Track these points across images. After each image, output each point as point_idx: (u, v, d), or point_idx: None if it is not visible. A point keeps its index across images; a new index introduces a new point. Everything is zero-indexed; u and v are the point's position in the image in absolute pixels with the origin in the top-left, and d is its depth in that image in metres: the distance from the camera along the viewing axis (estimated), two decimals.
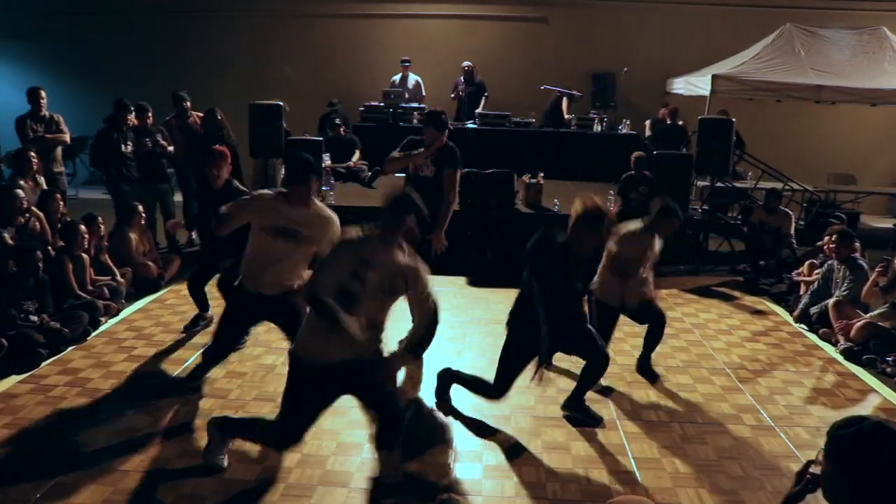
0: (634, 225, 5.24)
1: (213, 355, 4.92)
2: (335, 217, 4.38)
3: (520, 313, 4.40)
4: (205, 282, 6.08)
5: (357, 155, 10.23)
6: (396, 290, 3.58)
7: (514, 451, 4.26)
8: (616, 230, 5.09)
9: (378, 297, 3.52)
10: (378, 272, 3.48)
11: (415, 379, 5.21)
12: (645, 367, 5.48)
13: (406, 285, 3.59)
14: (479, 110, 11.51)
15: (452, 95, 12.17)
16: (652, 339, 5.42)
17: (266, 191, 4.54)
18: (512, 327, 4.45)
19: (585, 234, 4.20)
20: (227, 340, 4.86)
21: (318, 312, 3.44)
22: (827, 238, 6.99)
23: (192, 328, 6.13)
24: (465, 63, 11.98)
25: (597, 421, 4.62)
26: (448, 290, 7.37)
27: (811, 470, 2.23)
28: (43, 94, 8.23)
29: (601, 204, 4.23)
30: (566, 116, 11.53)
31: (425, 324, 3.79)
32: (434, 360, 5.32)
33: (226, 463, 3.92)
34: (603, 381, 5.22)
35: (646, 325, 5.41)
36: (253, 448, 4.14)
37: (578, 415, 4.66)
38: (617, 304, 5.22)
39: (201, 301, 6.16)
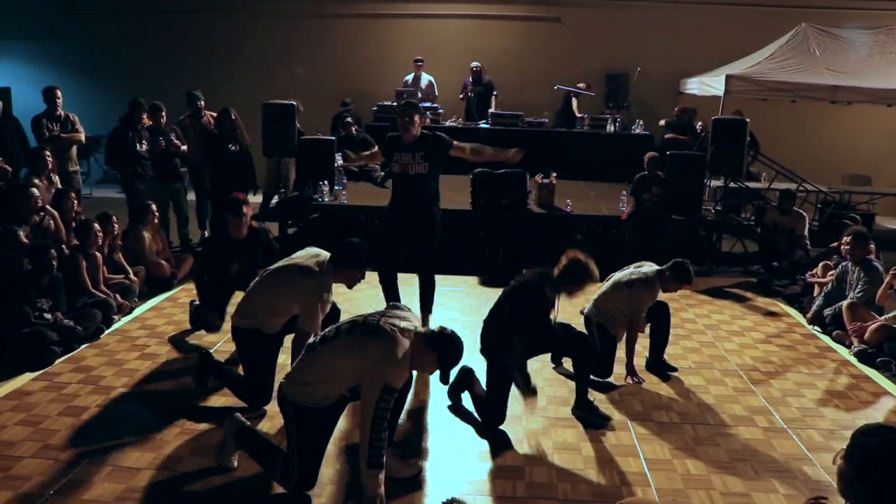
0: (644, 282, 5.22)
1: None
2: None
3: (491, 340, 4.56)
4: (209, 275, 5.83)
5: (376, 149, 10.25)
6: None
7: (524, 451, 4.26)
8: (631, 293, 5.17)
9: None
10: None
11: None
12: (657, 364, 5.47)
13: None
14: (492, 110, 11.51)
15: (461, 96, 12.19)
16: (659, 335, 5.41)
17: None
18: (488, 357, 4.59)
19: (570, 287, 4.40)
20: None
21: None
22: (845, 239, 6.93)
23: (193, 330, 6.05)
24: (474, 63, 12.00)
25: (604, 420, 4.60)
26: (460, 290, 7.38)
27: None
28: (59, 93, 8.29)
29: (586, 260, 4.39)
30: (578, 115, 11.51)
31: None
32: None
33: (235, 464, 3.93)
34: (614, 382, 5.24)
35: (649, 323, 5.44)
36: None
37: (586, 414, 4.65)
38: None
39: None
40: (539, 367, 5.44)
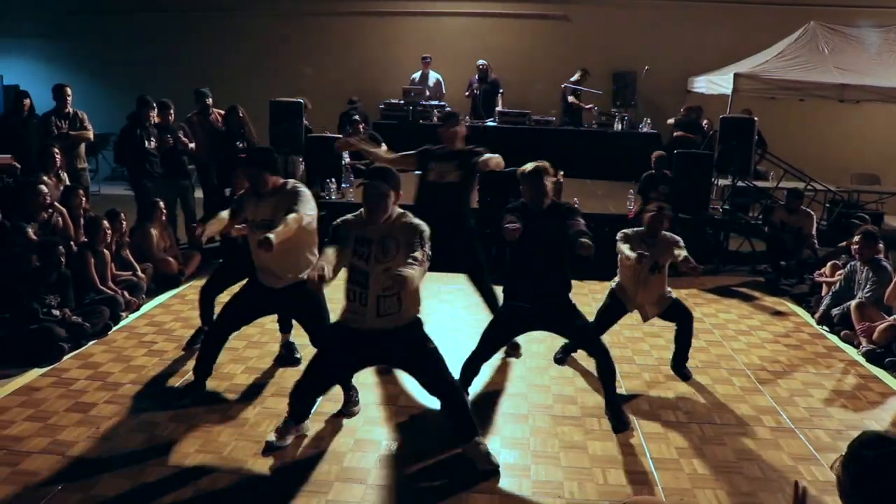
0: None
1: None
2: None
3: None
4: (218, 293, 5.68)
5: (384, 148, 10.25)
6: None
7: (531, 449, 4.25)
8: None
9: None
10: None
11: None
12: (678, 366, 5.44)
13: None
14: (499, 108, 11.50)
15: (467, 94, 12.18)
16: (681, 341, 5.39)
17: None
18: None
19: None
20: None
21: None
22: (855, 238, 6.89)
23: (192, 345, 5.64)
24: (480, 61, 11.99)
25: (623, 425, 4.52)
26: (466, 288, 7.36)
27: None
28: (69, 91, 8.31)
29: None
30: (586, 107, 11.47)
31: None
32: (452, 357, 5.30)
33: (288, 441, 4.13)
34: (622, 381, 5.23)
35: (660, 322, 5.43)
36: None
37: (609, 417, 4.60)
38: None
39: (208, 313, 5.69)
40: (545, 365, 5.44)
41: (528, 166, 4.50)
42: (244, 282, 4.85)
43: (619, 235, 5.13)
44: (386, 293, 3.74)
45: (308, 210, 4.36)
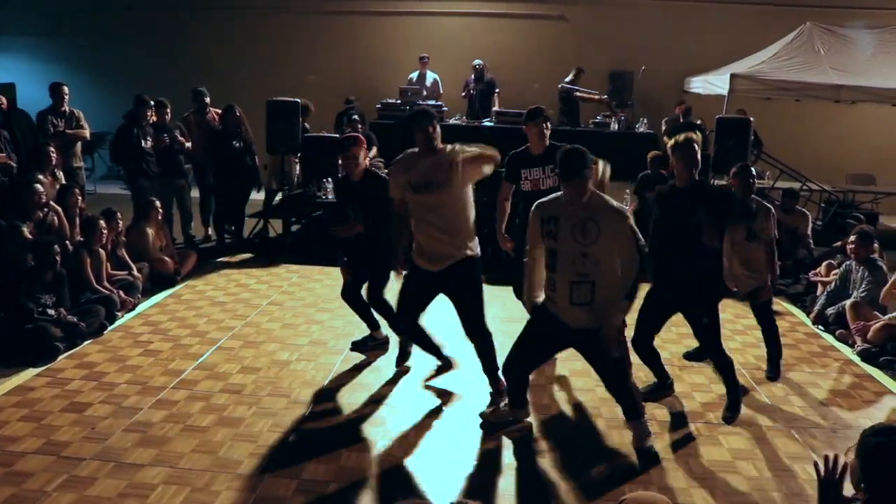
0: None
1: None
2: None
3: None
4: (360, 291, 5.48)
5: (374, 151, 10.25)
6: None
7: (525, 449, 4.25)
8: None
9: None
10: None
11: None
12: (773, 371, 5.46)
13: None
14: (496, 108, 11.50)
15: (464, 94, 12.17)
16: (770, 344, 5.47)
17: None
18: None
19: None
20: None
21: None
22: (851, 238, 6.90)
23: (362, 348, 5.64)
24: (476, 61, 11.98)
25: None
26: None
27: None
28: (65, 89, 8.29)
29: None
30: (586, 95, 11.43)
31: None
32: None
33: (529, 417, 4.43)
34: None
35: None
36: (266, 443, 4.17)
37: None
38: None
39: (371, 317, 5.57)
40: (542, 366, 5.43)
41: (681, 136, 4.39)
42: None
43: None
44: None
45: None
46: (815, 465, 2.27)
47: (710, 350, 4.68)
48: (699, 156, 4.37)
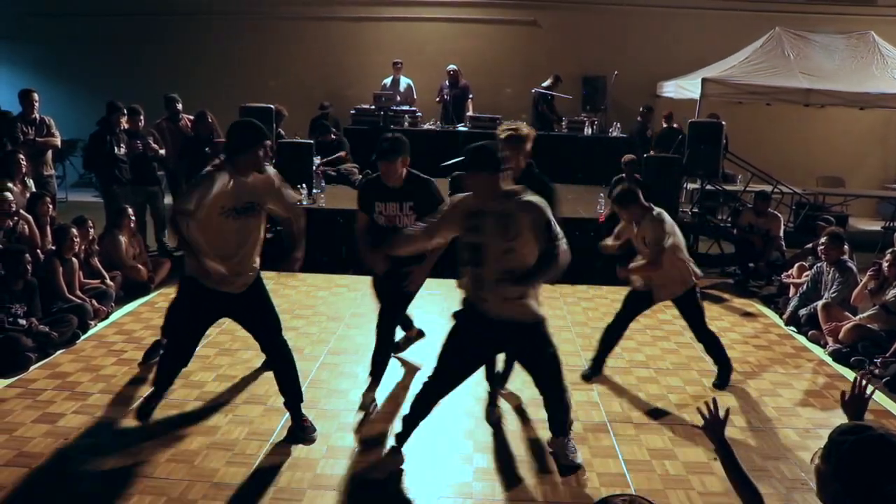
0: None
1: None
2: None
3: None
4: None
5: (343, 154, 10.24)
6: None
7: (504, 453, 4.26)
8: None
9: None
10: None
11: None
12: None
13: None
14: (469, 113, 11.53)
15: (438, 99, 12.18)
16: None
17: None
18: None
19: None
20: None
21: None
22: (821, 240, 7.00)
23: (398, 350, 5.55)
24: (450, 67, 12.00)
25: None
26: (436, 293, 7.36)
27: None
28: (36, 96, 8.17)
29: None
30: (560, 96, 11.49)
31: None
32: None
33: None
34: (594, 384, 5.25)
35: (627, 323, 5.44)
36: (244, 450, 4.14)
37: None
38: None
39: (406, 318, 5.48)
40: (518, 368, 5.42)
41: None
42: None
43: None
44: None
45: None
46: (699, 410, 2.56)
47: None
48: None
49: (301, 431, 4.31)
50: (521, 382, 5.22)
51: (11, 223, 6.50)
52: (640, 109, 11.93)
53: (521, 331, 3.81)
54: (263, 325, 4.25)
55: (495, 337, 3.87)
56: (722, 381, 5.31)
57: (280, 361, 4.32)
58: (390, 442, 4.20)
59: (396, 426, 4.51)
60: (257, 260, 4.20)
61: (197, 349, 4.58)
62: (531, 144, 4.57)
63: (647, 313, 5.54)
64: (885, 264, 6.22)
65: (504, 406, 4.83)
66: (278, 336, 4.29)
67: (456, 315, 3.95)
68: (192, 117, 9.03)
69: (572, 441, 4.18)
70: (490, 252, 3.64)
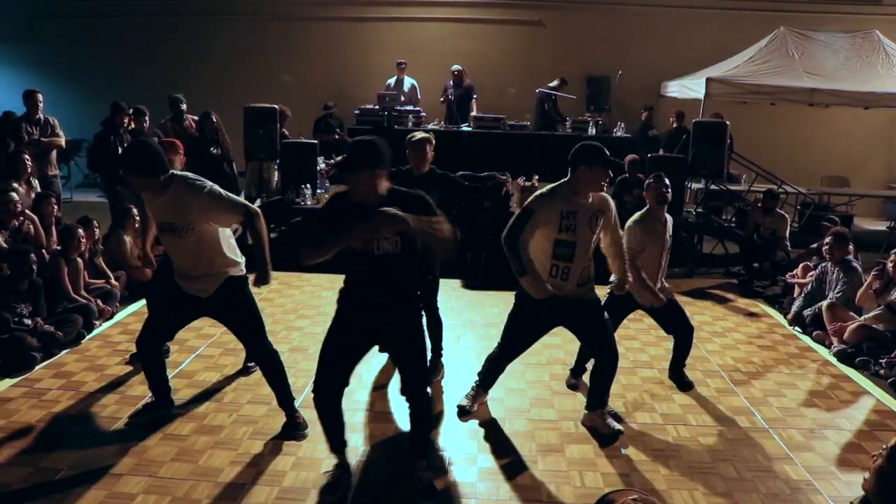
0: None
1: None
2: None
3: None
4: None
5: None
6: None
7: (508, 453, 4.26)
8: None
9: None
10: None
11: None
12: (675, 375, 5.39)
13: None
14: (473, 113, 11.53)
15: (442, 99, 12.18)
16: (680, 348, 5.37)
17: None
18: None
19: None
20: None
21: None
22: (826, 239, 6.98)
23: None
24: (455, 67, 12.00)
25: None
26: (442, 293, 7.37)
27: None
28: (40, 97, 8.20)
29: None
30: (564, 96, 11.50)
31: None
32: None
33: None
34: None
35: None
36: (248, 449, 4.15)
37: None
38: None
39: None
40: (522, 369, 5.43)
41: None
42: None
43: None
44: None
45: None
46: None
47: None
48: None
49: (294, 429, 4.40)
50: (525, 383, 5.24)
51: (17, 223, 6.52)
52: (641, 109, 11.91)
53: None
54: (240, 328, 4.37)
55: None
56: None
57: (263, 364, 4.42)
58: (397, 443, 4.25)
59: (398, 428, 4.53)
60: (222, 263, 4.17)
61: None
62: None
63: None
64: (889, 264, 6.21)
65: (504, 406, 4.84)
66: (259, 339, 4.37)
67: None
68: (196, 118, 9.05)
69: (607, 412, 4.54)
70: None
